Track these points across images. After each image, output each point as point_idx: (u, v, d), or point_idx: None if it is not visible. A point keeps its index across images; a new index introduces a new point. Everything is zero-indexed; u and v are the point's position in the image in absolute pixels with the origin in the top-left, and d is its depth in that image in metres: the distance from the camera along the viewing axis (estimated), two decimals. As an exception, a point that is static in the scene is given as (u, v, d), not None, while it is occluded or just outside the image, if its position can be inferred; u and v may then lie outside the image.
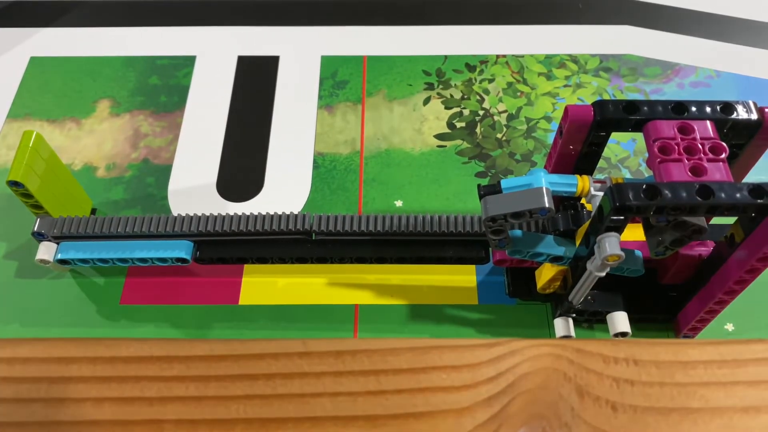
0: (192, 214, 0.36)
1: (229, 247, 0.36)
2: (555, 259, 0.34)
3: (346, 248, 0.36)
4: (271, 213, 0.36)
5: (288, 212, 0.35)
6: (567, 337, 0.35)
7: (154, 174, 0.45)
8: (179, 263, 0.36)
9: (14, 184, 0.34)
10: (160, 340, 0.27)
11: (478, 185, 0.30)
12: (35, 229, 0.36)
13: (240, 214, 0.36)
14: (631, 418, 0.25)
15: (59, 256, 0.36)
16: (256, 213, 0.36)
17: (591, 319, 0.36)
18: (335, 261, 0.36)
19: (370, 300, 0.39)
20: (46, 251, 0.36)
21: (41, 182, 0.35)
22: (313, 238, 0.36)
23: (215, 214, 0.36)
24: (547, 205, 0.29)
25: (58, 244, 0.37)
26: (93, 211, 0.42)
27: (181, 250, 0.36)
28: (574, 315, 0.36)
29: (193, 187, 0.44)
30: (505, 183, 0.30)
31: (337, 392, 0.26)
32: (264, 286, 0.39)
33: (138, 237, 0.36)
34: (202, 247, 0.36)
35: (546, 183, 0.29)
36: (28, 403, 0.26)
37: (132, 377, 0.26)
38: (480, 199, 0.30)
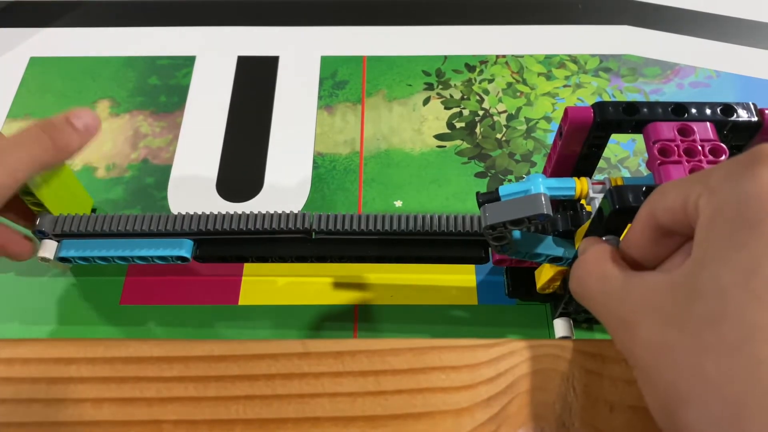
0: (192, 213, 0.36)
1: (229, 246, 0.36)
2: (554, 260, 0.34)
3: (346, 247, 0.36)
4: (271, 212, 0.36)
5: (288, 211, 0.36)
6: (566, 337, 0.35)
7: (154, 174, 0.45)
8: (179, 262, 0.36)
9: None
10: (159, 340, 0.27)
11: (477, 193, 0.30)
12: (36, 226, 0.36)
13: (240, 213, 0.36)
14: (630, 419, 0.25)
15: (60, 254, 0.36)
16: (255, 212, 0.36)
17: None
18: (335, 260, 0.36)
19: (370, 300, 0.39)
20: (48, 249, 0.36)
21: (42, 180, 0.35)
22: (313, 237, 0.36)
23: (215, 213, 0.36)
24: (545, 212, 0.28)
25: (59, 242, 0.37)
26: (93, 211, 0.42)
27: (182, 248, 0.36)
28: (585, 314, 0.36)
29: (193, 187, 0.44)
30: (503, 190, 0.30)
31: (337, 393, 0.26)
32: (264, 286, 0.39)
33: (139, 235, 0.36)
34: (202, 245, 0.36)
35: (544, 188, 0.29)
36: (28, 403, 0.26)
37: (131, 377, 0.26)
38: (479, 207, 0.30)
